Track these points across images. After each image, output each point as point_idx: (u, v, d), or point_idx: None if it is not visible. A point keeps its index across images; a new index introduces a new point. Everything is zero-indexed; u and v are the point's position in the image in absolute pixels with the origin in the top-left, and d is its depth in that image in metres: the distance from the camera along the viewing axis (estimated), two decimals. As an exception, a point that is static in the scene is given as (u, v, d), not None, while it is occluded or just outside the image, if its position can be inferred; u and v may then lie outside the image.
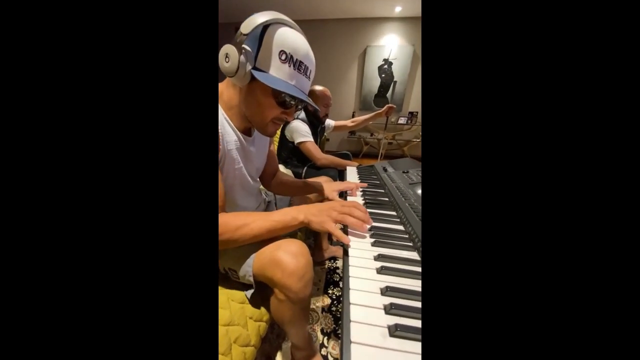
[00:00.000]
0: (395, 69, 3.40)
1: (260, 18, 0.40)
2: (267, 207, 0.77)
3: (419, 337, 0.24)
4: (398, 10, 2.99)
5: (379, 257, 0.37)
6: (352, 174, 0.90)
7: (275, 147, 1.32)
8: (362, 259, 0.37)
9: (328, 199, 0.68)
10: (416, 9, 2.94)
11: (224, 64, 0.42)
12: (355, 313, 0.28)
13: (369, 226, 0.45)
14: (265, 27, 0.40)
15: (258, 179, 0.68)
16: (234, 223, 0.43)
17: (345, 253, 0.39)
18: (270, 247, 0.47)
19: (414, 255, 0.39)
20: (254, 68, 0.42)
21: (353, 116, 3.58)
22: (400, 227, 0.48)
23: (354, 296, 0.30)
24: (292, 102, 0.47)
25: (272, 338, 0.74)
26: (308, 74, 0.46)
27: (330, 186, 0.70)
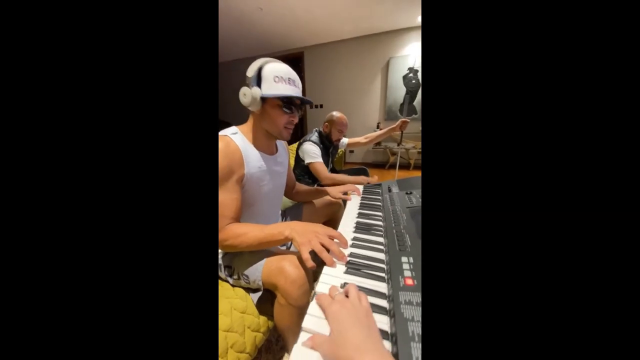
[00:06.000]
0: (421, 76, 3.30)
1: (256, 64, 0.62)
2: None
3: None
4: (419, 19, 2.94)
5: (344, 286, 0.40)
6: (357, 194, 0.94)
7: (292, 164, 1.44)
8: (329, 285, 0.41)
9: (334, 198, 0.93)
10: (441, 15, 2.83)
11: (243, 100, 0.62)
12: (305, 337, 0.32)
13: (341, 262, 0.47)
14: (260, 68, 0.62)
15: (282, 194, 0.85)
16: (237, 231, 0.56)
17: (316, 279, 0.43)
18: (277, 258, 0.57)
19: (382, 287, 0.41)
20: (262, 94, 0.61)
21: (378, 127, 3.55)
22: (382, 256, 0.50)
23: (307, 321, 0.34)
24: (292, 107, 0.65)
25: (276, 349, 0.80)
26: (296, 84, 0.65)
27: (335, 188, 0.92)
